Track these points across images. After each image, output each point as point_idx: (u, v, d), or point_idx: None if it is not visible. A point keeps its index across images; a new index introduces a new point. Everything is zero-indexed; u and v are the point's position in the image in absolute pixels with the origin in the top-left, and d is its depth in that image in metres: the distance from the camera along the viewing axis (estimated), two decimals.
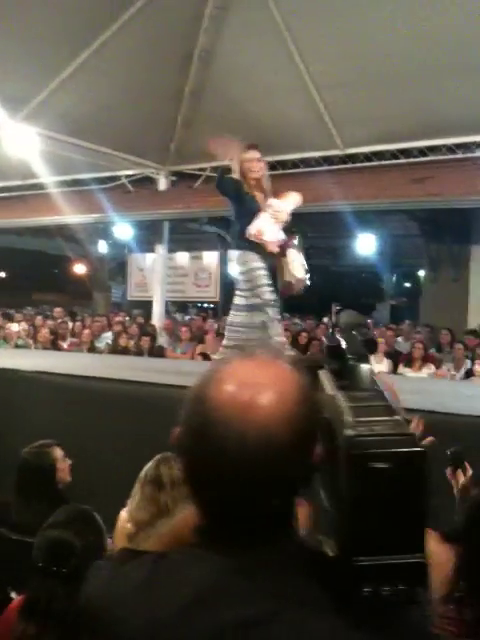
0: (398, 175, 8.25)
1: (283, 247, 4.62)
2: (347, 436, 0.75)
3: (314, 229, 11.04)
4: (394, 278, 16.07)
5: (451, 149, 8.26)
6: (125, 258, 14.13)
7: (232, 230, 4.79)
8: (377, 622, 0.74)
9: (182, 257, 13.45)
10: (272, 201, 4.61)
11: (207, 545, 0.82)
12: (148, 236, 11.74)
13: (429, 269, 11.46)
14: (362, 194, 8.10)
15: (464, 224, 10.17)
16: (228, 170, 4.68)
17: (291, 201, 4.67)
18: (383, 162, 8.65)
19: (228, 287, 13.85)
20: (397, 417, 0.76)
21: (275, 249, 4.56)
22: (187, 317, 12.20)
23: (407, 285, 16.14)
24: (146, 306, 11.45)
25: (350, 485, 0.73)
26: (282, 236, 4.61)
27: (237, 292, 4.72)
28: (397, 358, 7.76)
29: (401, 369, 7.53)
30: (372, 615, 0.74)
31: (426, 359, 7.58)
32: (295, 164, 9.22)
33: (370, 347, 0.94)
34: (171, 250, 11.64)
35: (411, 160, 8.47)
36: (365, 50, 7.29)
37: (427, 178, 7.96)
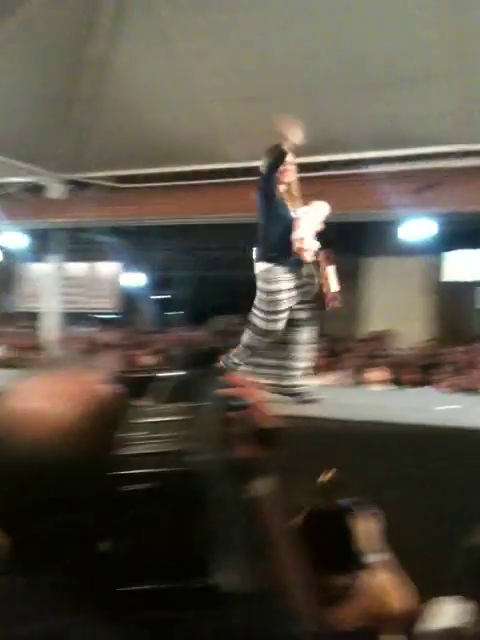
0: None
1: (323, 258, 4.33)
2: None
3: (215, 242, 11.07)
4: None
5: (346, 164, 8.54)
6: (15, 268, 13.58)
7: (259, 238, 4.35)
8: None
9: (77, 267, 13.07)
10: (304, 209, 4.37)
11: (9, 563, 0.84)
12: (40, 245, 11.30)
13: None
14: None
15: (359, 237, 10.53)
16: (283, 155, 4.19)
17: (321, 210, 4.45)
18: None
19: (127, 298, 13.62)
20: (182, 433, 0.71)
21: (311, 259, 4.26)
22: (85, 329, 11.84)
23: None
24: (40, 318, 11.00)
25: (113, 507, 0.70)
26: (317, 245, 4.35)
27: (254, 311, 4.34)
28: None
29: None
30: None
31: (325, 368, 7.77)
32: (196, 175, 9.18)
33: (204, 359, 0.91)
34: (66, 260, 11.27)
35: (304, 175, 8.65)
36: (257, 64, 7.36)
37: (320, 193, 8.15)
